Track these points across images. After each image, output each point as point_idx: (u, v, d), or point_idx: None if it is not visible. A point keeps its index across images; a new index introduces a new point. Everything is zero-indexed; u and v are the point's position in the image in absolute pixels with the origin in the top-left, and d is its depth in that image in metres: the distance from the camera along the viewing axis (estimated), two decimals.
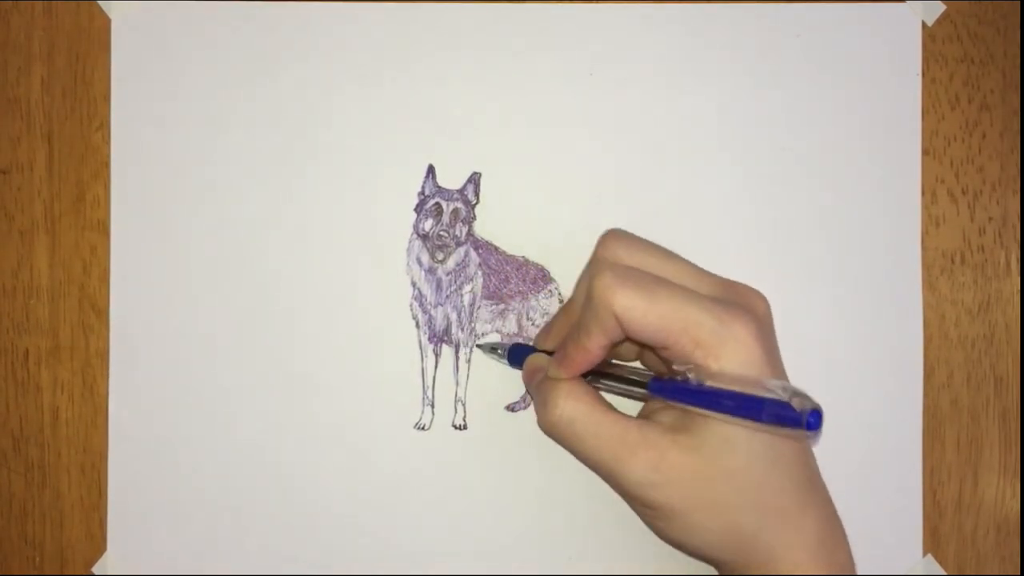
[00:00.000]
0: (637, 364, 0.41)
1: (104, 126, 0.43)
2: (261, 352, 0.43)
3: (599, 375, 0.37)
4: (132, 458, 0.43)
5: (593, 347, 0.35)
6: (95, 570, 0.43)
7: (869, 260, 0.43)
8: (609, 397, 0.38)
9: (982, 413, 0.43)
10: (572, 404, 0.35)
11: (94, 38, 0.44)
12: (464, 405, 0.43)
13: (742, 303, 0.35)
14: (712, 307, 0.34)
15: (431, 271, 0.43)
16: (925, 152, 0.43)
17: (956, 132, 0.43)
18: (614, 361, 0.40)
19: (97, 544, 0.43)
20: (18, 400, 0.44)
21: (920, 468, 0.42)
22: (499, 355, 0.42)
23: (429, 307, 0.43)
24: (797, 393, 0.31)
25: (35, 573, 0.43)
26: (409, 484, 0.43)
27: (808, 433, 0.30)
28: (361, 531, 0.43)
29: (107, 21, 0.44)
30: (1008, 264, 0.43)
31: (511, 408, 0.43)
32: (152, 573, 0.43)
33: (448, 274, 0.43)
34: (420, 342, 0.43)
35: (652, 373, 0.36)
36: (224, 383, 0.43)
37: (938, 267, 0.43)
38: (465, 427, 0.43)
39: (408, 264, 0.43)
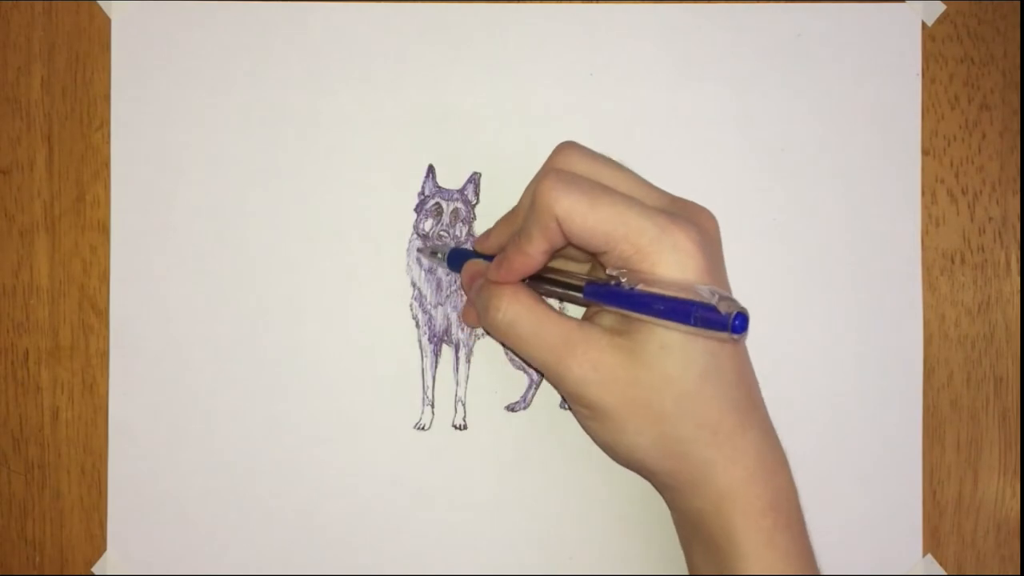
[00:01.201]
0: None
1: (104, 126, 0.44)
2: (261, 352, 0.43)
3: (538, 280, 0.38)
4: (132, 458, 0.43)
5: (534, 252, 0.35)
6: (95, 570, 0.43)
7: (869, 260, 0.43)
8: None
9: (982, 413, 0.43)
10: (514, 307, 0.36)
11: (94, 38, 0.44)
12: (464, 405, 0.43)
13: (690, 217, 0.35)
14: (655, 216, 0.34)
15: (431, 271, 0.43)
16: (925, 152, 0.43)
17: (956, 132, 0.43)
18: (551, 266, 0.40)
19: (97, 544, 0.43)
20: (18, 400, 0.44)
21: (920, 468, 0.42)
22: (439, 259, 0.42)
23: (429, 307, 0.43)
24: (724, 297, 0.31)
25: (35, 573, 0.43)
26: (409, 484, 0.43)
27: (734, 336, 0.31)
28: (361, 531, 0.43)
29: (107, 21, 0.44)
30: (1008, 264, 0.43)
31: (511, 408, 0.43)
32: (152, 573, 0.43)
33: (448, 274, 0.43)
34: (420, 342, 0.43)
35: (589, 278, 0.36)
36: (224, 383, 0.43)
37: (938, 267, 0.43)
38: (465, 427, 0.43)
39: (408, 264, 0.43)
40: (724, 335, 0.31)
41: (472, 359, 0.43)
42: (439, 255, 0.42)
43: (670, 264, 0.33)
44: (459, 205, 0.43)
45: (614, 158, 0.37)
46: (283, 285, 0.43)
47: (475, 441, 0.43)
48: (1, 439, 0.44)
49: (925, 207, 0.43)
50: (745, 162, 0.43)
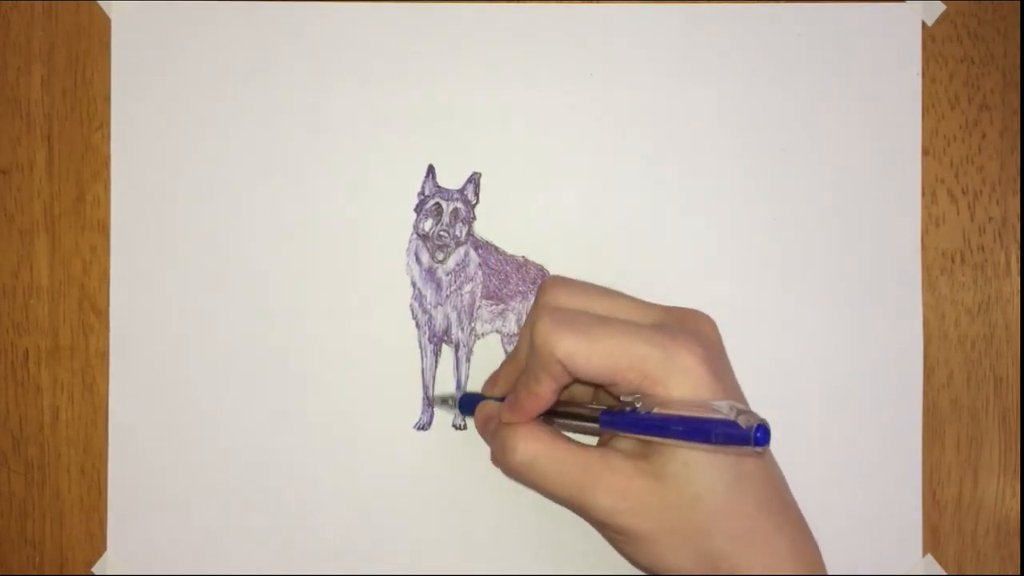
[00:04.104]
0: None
1: (104, 126, 0.44)
2: (261, 352, 0.43)
3: (551, 414, 0.37)
4: (132, 458, 0.43)
5: (543, 392, 0.35)
6: (95, 570, 0.43)
7: (869, 260, 0.43)
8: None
9: (982, 413, 0.43)
10: (531, 445, 0.35)
11: (94, 38, 0.44)
12: None
13: (687, 328, 0.35)
14: (655, 337, 0.34)
15: (431, 271, 0.43)
16: (925, 152, 0.43)
17: (956, 132, 0.43)
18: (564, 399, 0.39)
19: (97, 544, 0.43)
20: (18, 400, 0.44)
21: (920, 468, 0.42)
22: (450, 406, 0.42)
23: (429, 307, 0.43)
24: (743, 411, 0.31)
25: (35, 573, 0.43)
26: (409, 484, 0.43)
27: (757, 449, 0.30)
28: (361, 531, 0.43)
29: (107, 21, 0.44)
30: (1008, 264, 0.43)
31: None
32: (152, 573, 0.43)
33: (448, 274, 0.43)
34: (420, 342, 0.43)
35: (603, 407, 0.36)
36: (224, 383, 0.43)
37: (938, 267, 0.43)
38: (465, 427, 0.43)
39: (408, 264, 0.43)
40: (747, 449, 0.31)
41: (472, 359, 0.43)
42: (450, 402, 0.42)
43: (680, 384, 0.33)
44: (459, 205, 0.43)
45: (599, 283, 0.37)
46: (283, 285, 0.43)
47: (475, 441, 0.43)
48: (1, 439, 0.44)
49: (925, 207, 0.43)
50: (745, 162, 0.43)
